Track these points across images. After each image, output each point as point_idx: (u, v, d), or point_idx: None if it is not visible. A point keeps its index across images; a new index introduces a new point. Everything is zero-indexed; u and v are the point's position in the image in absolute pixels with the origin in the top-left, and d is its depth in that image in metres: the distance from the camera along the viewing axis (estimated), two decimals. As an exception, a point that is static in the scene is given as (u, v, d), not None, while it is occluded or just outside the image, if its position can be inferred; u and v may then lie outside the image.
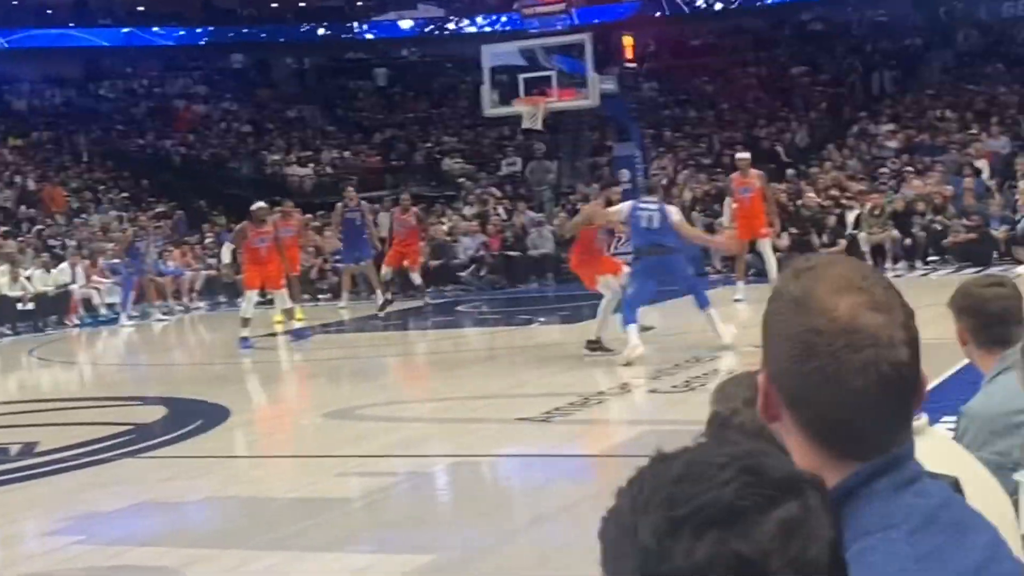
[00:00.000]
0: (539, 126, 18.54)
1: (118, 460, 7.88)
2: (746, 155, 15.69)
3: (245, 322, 13.66)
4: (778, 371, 1.23)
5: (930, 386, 1.28)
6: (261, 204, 14.99)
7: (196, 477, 7.13)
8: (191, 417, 9.33)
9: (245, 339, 13.53)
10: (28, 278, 20.30)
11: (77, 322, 20.55)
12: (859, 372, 1.18)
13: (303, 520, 5.76)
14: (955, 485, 1.24)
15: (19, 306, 19.81)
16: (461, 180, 26.84)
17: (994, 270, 16.35)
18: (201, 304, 22.95)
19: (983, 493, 1.49)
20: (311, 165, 30.95)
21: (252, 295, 14.10)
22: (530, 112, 17.95)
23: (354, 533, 5.41)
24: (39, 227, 24.35)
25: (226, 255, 15.63)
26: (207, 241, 24.90)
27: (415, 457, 7.02)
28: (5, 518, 6.44)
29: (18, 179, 27.36)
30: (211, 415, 9.30)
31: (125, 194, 28.37)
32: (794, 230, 19.43)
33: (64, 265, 21.08)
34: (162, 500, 6.51)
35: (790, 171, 23.26)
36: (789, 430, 1.23)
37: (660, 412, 8.11)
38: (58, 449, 8.31)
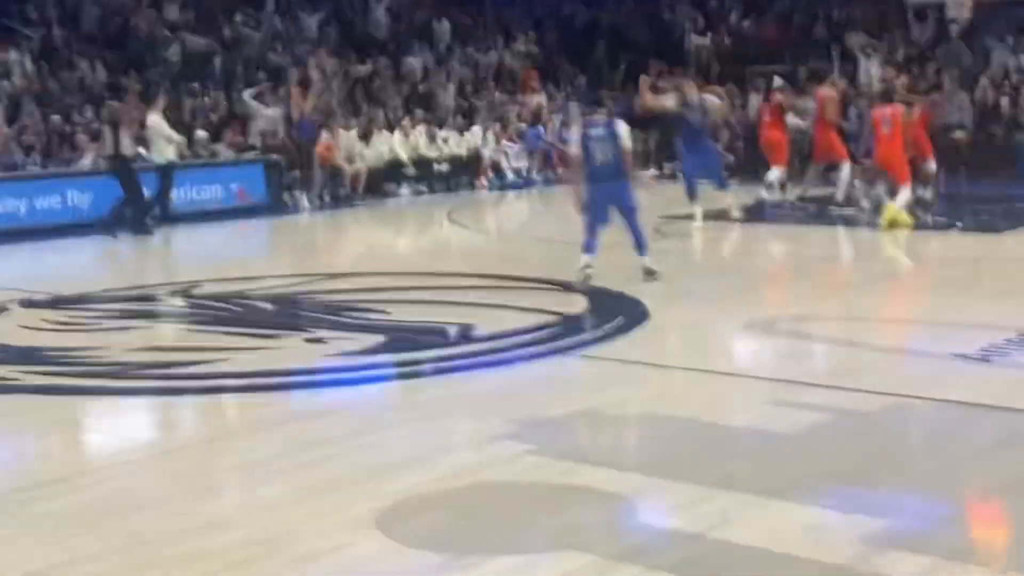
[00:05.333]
0: (967, 15, 17.49)
1: (550, 357, 8.22)
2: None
3: None
4: None
5: None
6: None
7: (630, 387, 7.32)
8: (612, 313, 9.58)
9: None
10: (445, 140, 21.29)
11: (486, 184, 21.46)
12: None
13: (745, 457, 5.81)
14: None
15: (435, 167, 20.89)
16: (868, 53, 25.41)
17: None
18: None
19: None
20: (709, 34, 30.32)
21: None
22: (958, 1, 16.91)
23: (800, 481, 5.38)
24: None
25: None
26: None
27: (850, 391, 6.90)
28: (456, 414, 6.85)
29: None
30: (632, 313, 9.51)
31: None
32: None
33: (476, 129, 21.93)
34: (602, 411, 6.72)
35: None
36: None
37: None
38: (492, 336, 8.76)
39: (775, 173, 17.10)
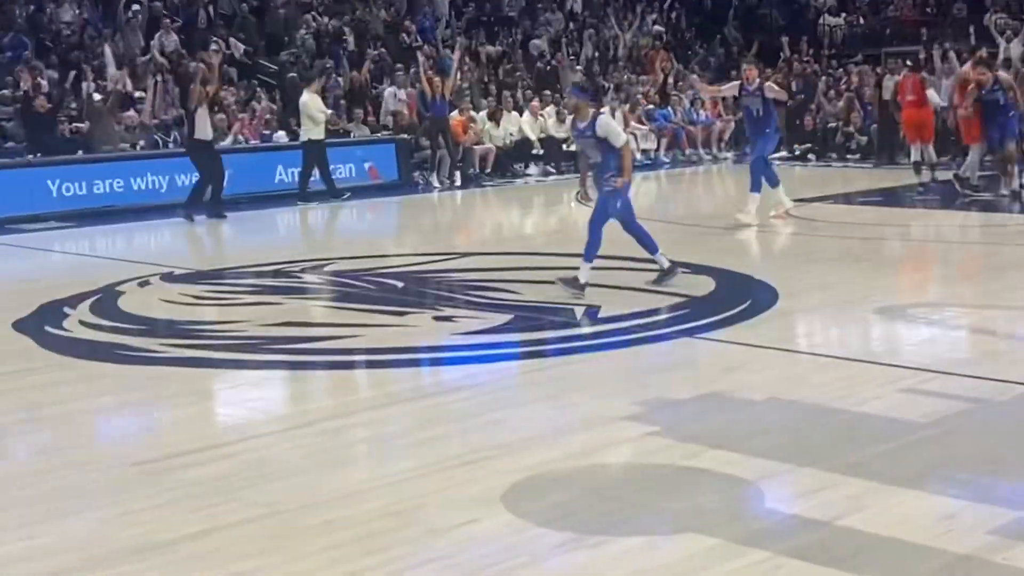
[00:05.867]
0: None
1: (677, 339, 8.23)
2: None
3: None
4: None
5: None
6: None
7: (757, 371, 7.29)
8: (740, 295, 9.54)
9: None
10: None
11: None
12: None
13: (875, 444, 5.76)
14: None
15: (563, 147, 20.93)
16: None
17: None
18: (728, 155, 23.22)
19: None
20: (843, 14, 29.80)
21: None
22: None
23: (930, 470, 5.32)
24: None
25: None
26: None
27: (983, 380, 6.77)
28: (582, 395, 6.90)
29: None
30: (760, 295, 9.48)
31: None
32: None
33: (604, 109, 21.87)
34: (728, 394, 6.71)
35: None
36: None
37: None
38: (619, 317, 8.81)
39: (974, 154, 16.34)
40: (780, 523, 4.84)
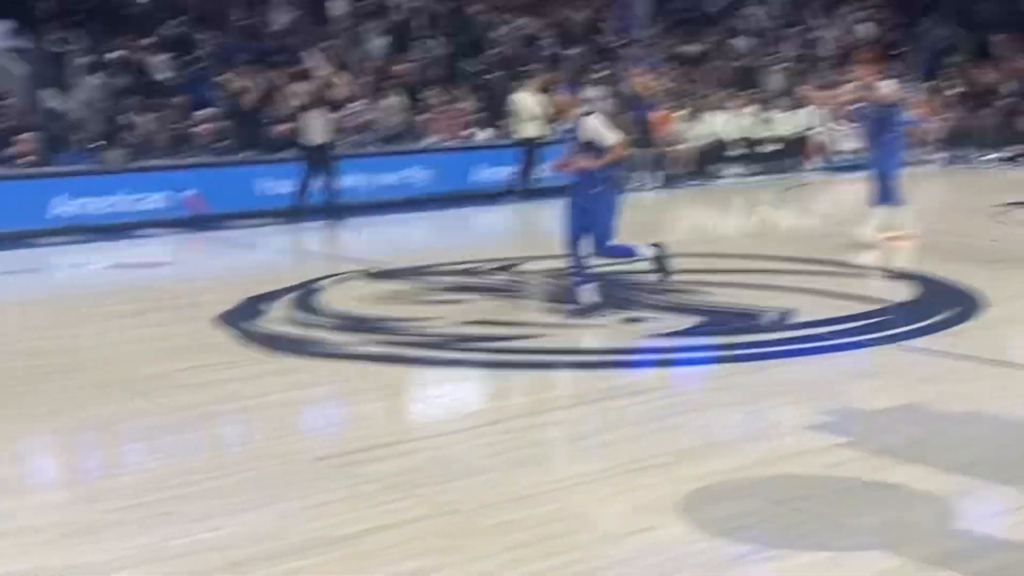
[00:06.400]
0: None
1: (874, 346, 7.95)
2: None
3: None
4: None
5: None
6: None
7: (957, 381, 6.98)
8: (947, 303, 9.17)
9: None
10: (772, 120, 20.96)
11: (814, 166, 21.01)
12: None
13: (1083, 463, 5.45)
14: None
15: (763, 148, 20.63)
16: None
17: None
18: (936, 157, 22.43)
19: None
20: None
21: None
22: None
23: None
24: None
25: None
26: (948, 92, 24.07)
27: None
28: (769, 401, 6.73)
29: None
30: (966, 303, 9.09)
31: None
32: None
33: (805, 109, 21.48)
34: (925, 406, 6.44)
35: None
36: None
37: None
38: (814, 322, 8.57)
39: None
40: (974, 543, 4.60)
